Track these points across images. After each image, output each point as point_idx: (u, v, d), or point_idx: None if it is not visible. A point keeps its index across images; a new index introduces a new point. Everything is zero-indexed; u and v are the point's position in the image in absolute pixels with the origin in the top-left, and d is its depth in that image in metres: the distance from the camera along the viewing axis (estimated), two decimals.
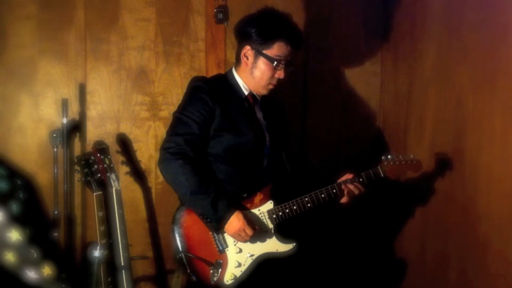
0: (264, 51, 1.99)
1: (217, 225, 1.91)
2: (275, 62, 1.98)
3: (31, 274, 1.06)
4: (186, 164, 1.90)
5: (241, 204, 1.97)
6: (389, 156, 2.04)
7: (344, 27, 2.77)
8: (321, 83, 2.77)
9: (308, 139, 2.76)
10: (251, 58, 2.02)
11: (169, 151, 1.92)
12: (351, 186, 1.99)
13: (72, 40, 2.52)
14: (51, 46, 2.50)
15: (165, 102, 2.61)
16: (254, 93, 2.09)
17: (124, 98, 2.58)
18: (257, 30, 2.00)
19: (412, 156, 2.08)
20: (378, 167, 2.02)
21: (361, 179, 2.00)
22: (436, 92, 2.29)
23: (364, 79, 2.81)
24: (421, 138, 2.39)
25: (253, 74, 2.03)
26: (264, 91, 2.06)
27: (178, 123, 1.97)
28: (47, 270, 1.08)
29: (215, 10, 2.56)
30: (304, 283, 2.13)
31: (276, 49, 1.99)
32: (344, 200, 2.01)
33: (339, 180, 2.02)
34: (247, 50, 2.02)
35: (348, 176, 2.02)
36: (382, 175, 2.01)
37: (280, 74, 2.01)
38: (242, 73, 2.07)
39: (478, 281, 1.96)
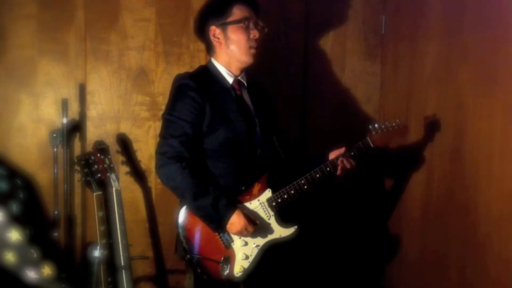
0: (229, 20, 2.00)
1: (218, 225, 1.92)
2: (244, 22, 1.99)
3: (31, 274, 1.06)
4: (184, 167, 1.89)
5: (241, 198, 1.99)
6: (376, 125, 2.04)
7: (344, 27, 2.77)
8: (321, 83, 2.77)
9: (308, 139, 2.76)
10: (221, 36, 2.02)
11: (166, 156, 1.91)
12: (343, 161, 2.02)
13: (72, 40, 2.52)
14: (51, 46, 2.50)
15: (165, 102, 2.56)
16: (239, 78, 2.07)
17: (124, 98, 2.58)
18: (211, 8, 2.04)
19: (398, 121, 2.09)
20: (367, 137, 2.04)
21: (352, 153, 2.03)
22: (436, 92, 2.29)
23: (364, 79, 2.81)
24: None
25: (231, 47, 2.02)
26: (249, 58, 2.03)
27: (171, 125, 1.96)
28: (47, 270, 1.08)
29: None
30: (300, 270, 2.19)
31: (237, 13, 2.00)
32: (338, 174, 2.03)
33: (331, 157, 2.05)
34: (213, 30, 2.03)
35: (340, 151, 2.05)
36: (372, 145, 2.03)
37: (254, 33, 2.01)
38: (220, 57, 2.06)
39: (478, 281, 1.96)
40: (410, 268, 2.53)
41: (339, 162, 2.01)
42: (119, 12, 2.55)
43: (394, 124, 2.07)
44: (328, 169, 2.01)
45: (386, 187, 2.76)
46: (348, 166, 2.02)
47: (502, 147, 1.83)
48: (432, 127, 2.28)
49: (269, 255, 2.01)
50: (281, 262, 2.10)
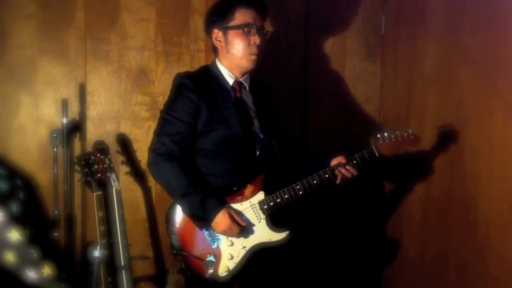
0: (230, 24, 2.00)
1: (204, 224, 1.93)
2: (244, 28, 1.98)
3: (31, 274, 1.06)
4: (175, 165, 1.91)
5: (231, 198, 1.98)
6: (385, 134, 1.96)
7: (344, 27, 2.77)
8: (321, 83, 2.77)
9: (308, 139, 2.76)
10: (222, 39, 2.03)
11: (157, 152, 1.94)
12: (343, 170, 1.97)
13: (72, 40, 2.52)
14: (51, 46, 2.50)
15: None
16: (241, 79, 2.07)
17: (124, 98, 2.58)
18: (215, 11, 2.05)
19: (410, 130, 1.99)
20: (373, 146, 1.96)
21: (355, 161, 1.97)
22: (436, 92, 2.29)
23: (364, 79, 2.81)
24: (421, 138, 2.39)
25: (231, 52, 2.02)
26: (249, 64, 2.03)
27: (165, 123, 1.98)
28: (47, 270, 1.08)
29: None
30: (298, 271, 2.17)
31: (239, 18, 2.00)
32: (337, 181, 2.00)
33: (332, 164, 2.00)
34: (216, 33, 2.04)
35: (341, 159, 1.99)
36: (377, 154, 1.96)
37: (255, 39, 2.00)
38: (223, 59, 2.07)
39: (478, 281, 1.96)
40: (410, 268, 2.53)
41: (338, 170, 1.97)
42: (119, 12, 2.55)
43: (405, 133, 1.98)
44: (326, 176, 1.96)
45: (386, 187, 2.76)
46: (348, 175, 1.98)
47: (502, 147, 1.83)
48: (433, 127, 2.29)
49: (266, 257, 1.99)
50: (281, 263, 2.09)
